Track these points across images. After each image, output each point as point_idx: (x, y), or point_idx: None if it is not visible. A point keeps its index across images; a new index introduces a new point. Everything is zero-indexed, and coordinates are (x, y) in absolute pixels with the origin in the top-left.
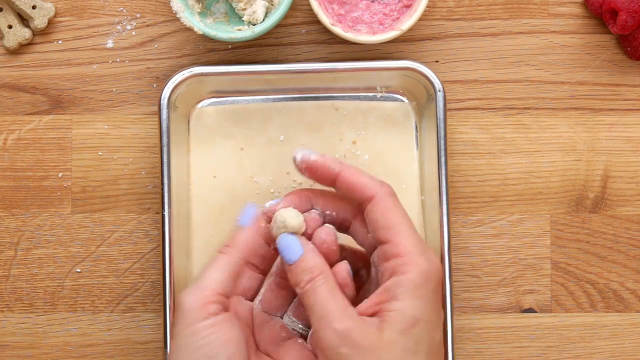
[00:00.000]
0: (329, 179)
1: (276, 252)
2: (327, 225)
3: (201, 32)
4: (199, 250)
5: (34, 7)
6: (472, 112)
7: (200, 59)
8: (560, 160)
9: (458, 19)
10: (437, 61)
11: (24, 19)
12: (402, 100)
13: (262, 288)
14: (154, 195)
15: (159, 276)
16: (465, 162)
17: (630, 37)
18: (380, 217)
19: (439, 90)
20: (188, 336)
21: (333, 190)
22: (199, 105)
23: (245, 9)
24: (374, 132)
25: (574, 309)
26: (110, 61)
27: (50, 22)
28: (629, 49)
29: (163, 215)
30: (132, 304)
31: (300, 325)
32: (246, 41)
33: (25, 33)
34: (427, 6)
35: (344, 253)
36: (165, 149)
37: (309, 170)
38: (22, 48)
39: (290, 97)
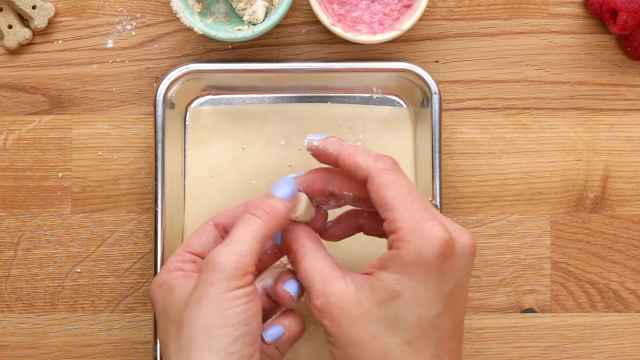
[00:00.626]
0: (333, 162)
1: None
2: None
3: (201, 32)
4: None
5: (34, 7)
6: (472, 112)
7: (200, 59)
8: (560, 160)
9: (458, 19)
10: (437, 61)
11: (24, 19)
12: (399, 103)
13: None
14: (154, 195)
15: None
16: (465, 162)
17: (630, 37)
18: (375, 196)
19: (435, 93)
20: (227, 301)
21: None
22: (196, 103)
23: (245, 9)
24: (371, 137)
25: (574, 309)
26: (110, 61)
27: (50, 22)
28: (629, 49)
29: (156, 212)
30: (132, 304)
31: None
32: (246, 41)
33: (25, 33)
34: (427, 6)
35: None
36: (160, 145)
37: (315, 156)
38: (22, 48)
39: (287, 97)
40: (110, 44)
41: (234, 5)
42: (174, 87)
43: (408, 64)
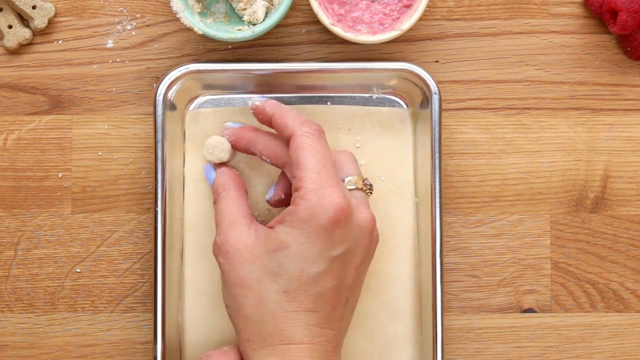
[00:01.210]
0: (268, 121)
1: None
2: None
3: (201, 32)
4: (190, 251)
5: (34, 7)
6: (472, 112)
7: (200, 59)
8: (560, 160)
9: (458, 19)
10: (437, 61)
11: (24, 19)
12: (399, 103)
13: None
14: (154, 195)
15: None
16: (465, 162)
17: (630, 37)
18: (292, 154)
19: (435, 93)
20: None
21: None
22: (196, 103)
23: (245, 9)
24: (370, 137)
25: (574, 309)
26: (110, 61)
27: (50, 22)
28: (629, 49)
29: (156, 212)
30: (132, 304)
31: None
32: (246, 41)
33: (25, 33)
34: (427, 6)
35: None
36: (159, 145)
37: (254, 114)
38: (22, 48)
39: (286, 97)
40: (110, 44)
41: (234, 5)
42: (174, 87)
43: (408, 64)
